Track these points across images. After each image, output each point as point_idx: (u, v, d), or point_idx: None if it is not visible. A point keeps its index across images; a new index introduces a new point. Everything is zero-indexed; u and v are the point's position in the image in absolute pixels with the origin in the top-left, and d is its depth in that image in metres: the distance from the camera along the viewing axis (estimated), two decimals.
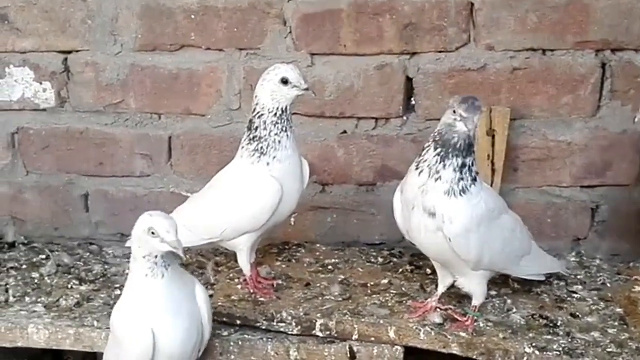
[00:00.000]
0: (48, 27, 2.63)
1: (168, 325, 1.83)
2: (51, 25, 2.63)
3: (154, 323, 1.82)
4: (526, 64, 2.48)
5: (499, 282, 2.33)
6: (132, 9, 2.58)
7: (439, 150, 1.93)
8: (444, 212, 1.93)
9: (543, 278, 2.30)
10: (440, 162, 1.93)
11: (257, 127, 2.12)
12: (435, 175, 1.93)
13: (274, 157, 2.11)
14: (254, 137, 2.13)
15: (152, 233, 1.76)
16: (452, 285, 2.17)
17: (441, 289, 2.18)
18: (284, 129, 2.10)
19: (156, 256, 1.80)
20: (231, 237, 2.20)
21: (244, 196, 2.15)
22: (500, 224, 2.06)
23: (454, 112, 1.90)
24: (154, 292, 1.82)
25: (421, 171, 1.96)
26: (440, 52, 2.50)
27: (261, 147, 2.11)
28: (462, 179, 1.93)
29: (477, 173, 1.97)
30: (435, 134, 1.96)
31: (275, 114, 2.09)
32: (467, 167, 1.93)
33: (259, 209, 2.14)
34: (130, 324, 1.84)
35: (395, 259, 2.55)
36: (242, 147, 2.17)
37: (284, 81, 2.07)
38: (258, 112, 2.12)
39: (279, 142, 2.10)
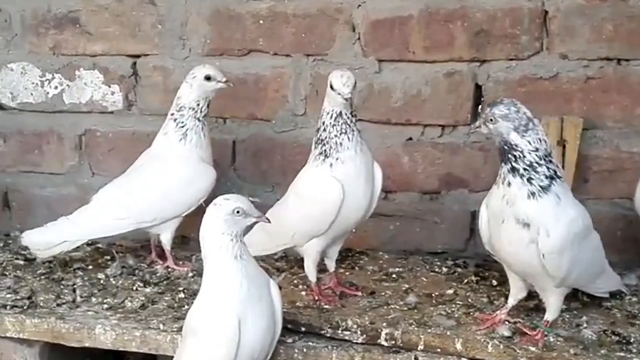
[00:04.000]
0: (118, 31, 2.68)
1: (252, 312, 1.83)
2: (122, 30, 2.68)
3: (240, 310, 1.82)
4: (600, 74, 2.43)
5: (568, 295, 2.26)
6: (202, 14, 2.61)
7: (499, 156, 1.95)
8: (540, 222, 1.90)
9: (607, 295, 2.26)
10: (501, 170, 1.93)
11: (319, 130, 2.15)
12: (505, 182, 1.93)
13: (337, 159, 2.13)
14: (318, 140, 2.16)
15: (238, 212, 1.83)
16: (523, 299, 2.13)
17: (512, 302, 2.14)
18: (343, 131, 2.12)
19: (241, 235, 1.86)
20: (302, 242, 2.21)
21: (307, 199, 2.17)
22: (589, 242, 2.04)
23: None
24: (241, 273, 1.83)
25: (498, 184, 1.96)
26: (511, 60, 2.47)
27: (325, 150, 2.14)
28: (531, 178, 1.90)
29: (555, 173, 1.92)
30: None
31: (332, 116, 2.12)
32: (521, 169, 1.90)
33: (321, 211, 2.15)
34: (215, 313, 1.83)
35: (460, 269, 2.51)
36: (312, 152, 2.19)
37: (331, 86, 2.11)
38: (321, 114, 2.16)
39: (341, 144, 2.12)
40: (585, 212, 2.01)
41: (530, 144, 1.91)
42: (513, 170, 1.91)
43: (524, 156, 1.91)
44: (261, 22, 2.58)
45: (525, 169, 1.91)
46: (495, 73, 2.50)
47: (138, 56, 2.71)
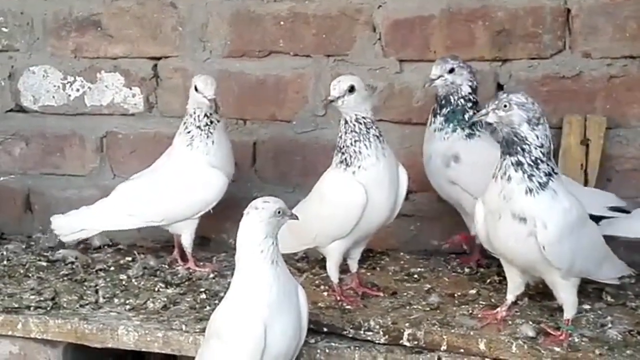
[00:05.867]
0: (139, 34, 2.70)
1: (279, 318, 1.82)
2: (142, 32, 2.69)
3: (267, 316, 1.80)
4: (624, 72, 2.42)
5: (592, 295, 2.26)
6: (223, 16, 2.62)
7: (500, 152, 1.94)
8: (536, 215, 1.91)
9: (618, 282, 2.23)
10: (502, 163, 1.93)
11: (338, 137, 2.15)
12: (506, 177, 1.92)
13: (359, 167, 2.13)
14: (338, 148, 2.16)
15: (279, 213, 1.84)
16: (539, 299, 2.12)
17: (510, 298, 2.14)
18: (357, 139, 2.12)
19: (277, 237, 1.86)
20: (324, 243, 2.21)
21: (330, 201, 2.17)
22: (587, 229, 2.04)
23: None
24: (274, 278, 1.82)
25: (496, 177, 1.96)
26: (533, 59, 2.47)
27: (345, 159, 2.14)
28: (532, 175, 1.90)
29: (552, 170, 1.93)
30: None
31: (342, 123, 2.13)
32: (526, 165, 1.90)
33: (343, 214, 2.15)
34: (242, 318, 1.81)
35: (482, 269, 2.49)
36: (334, 158, 2.19)
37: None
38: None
39: (360, 152, 2.12)
40: (578, 201, 2.01)
41: (537, 138, 1.91)
42: (518, 164, 1.90)
43: (531, 151, 1.91)
44: (282, 23, 2.59)
45: (529, 165, 1.90)
46: (517, 72, 2.49)
47: (159, 58, 2.73)
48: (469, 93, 2.31)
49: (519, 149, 1.90)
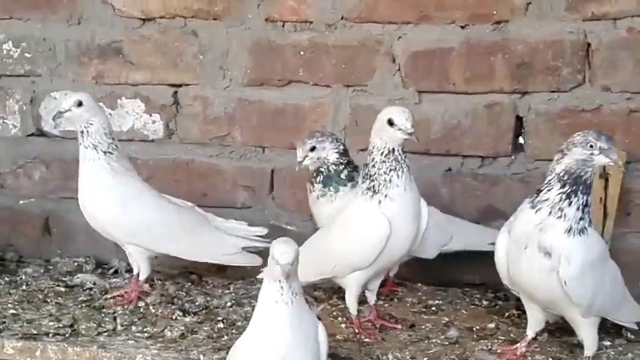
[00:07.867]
0: (160, 61, 2.71)
1: (296, 355, 1.78)
2: (164, 60, 2.71)
3: (283, 354, 1.77)
4: None
5: (611, 331, 2.25)
6: (243, 45, 2.64)
7: (566, 188, 1.92)
8: (562, 252, 1.91)
9: (636, 327, 2.22)
10: (565, 200, 1.91)
11: (367, 165, 2.14)
12: (558, 213, 1.91)
13: (386, 196, 2.12)
14: (366, 175, 2.15)
15: (273, 258, 1.74)
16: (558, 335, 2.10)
17: (530, 334, 2.13)
18: (393, 168, 2.11)
19: (280, 281, 1.76)
20: (343, 274, 2.21)
21: (353, 232, 2.17)
22: (608, 267, 2.05)
23: (591, 146, 1.89)
24: (283, 320, 1.77)
25: (539, 209, 1.94)
26: (553, 92, 2.47)
27: (373, 186, 2.13)
28: (582, 218, 1.92)
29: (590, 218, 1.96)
30: (561, 173, 1.93)
31: (383, 152, 2.11)
32: (588, 207, 1.92)
33: (366, 245, 2.15)
34: (258, 355, 1.79)
35: (500, 302, 2.49)
36: (358, 185, 2.18)
37: (390, 122, 2.09)
38: (370, 150, 2.15)
39: (390, 180, 2.11)
40: (600, 238, 2.03)
41: None
42: (585, 205, 1.91)
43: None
44: (302, 53, 2.60)
45: (589, 205, 1.93)
46: (536, 105, 2.49)
47: (179, 86, 2.74)
48: (337, 158, 2.37)
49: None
